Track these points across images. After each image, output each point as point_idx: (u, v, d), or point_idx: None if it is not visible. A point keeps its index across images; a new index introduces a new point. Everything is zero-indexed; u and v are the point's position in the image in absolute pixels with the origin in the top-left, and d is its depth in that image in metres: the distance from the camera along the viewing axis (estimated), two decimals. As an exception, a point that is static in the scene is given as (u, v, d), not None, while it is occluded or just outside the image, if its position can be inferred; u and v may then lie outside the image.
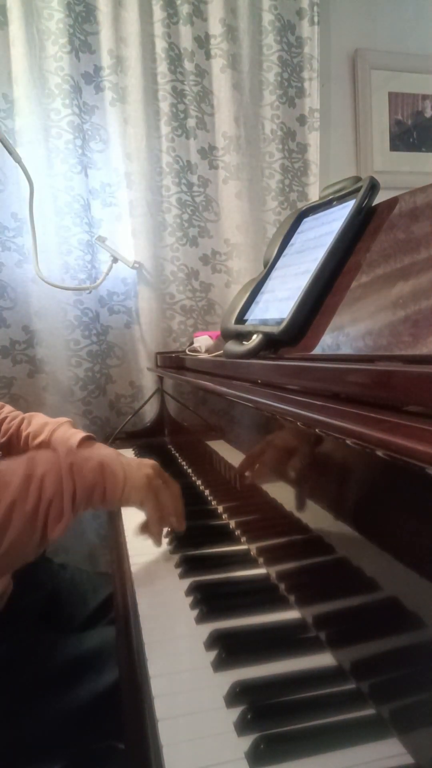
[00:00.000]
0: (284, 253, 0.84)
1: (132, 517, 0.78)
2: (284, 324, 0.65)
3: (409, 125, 1.87)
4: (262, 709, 0.41)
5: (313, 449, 0.51)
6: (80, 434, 0.91)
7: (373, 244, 0.63)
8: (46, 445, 0.93)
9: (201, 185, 1.63)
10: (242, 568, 0.66)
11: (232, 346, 0.76)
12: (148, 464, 0.72)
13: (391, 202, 0.66)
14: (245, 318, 0.81)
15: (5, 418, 1.01)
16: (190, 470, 1.14)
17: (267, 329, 0.69)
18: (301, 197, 1.72)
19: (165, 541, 0.75)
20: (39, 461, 0.61)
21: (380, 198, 0.70)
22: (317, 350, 0.59)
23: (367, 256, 0.63)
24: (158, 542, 0.72)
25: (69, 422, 0.98)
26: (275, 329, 0.67)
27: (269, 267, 0.84)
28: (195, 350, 1.18)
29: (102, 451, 0.71)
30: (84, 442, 0.90)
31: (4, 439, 0.98)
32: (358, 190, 0.71)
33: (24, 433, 0.98)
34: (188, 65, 1.58)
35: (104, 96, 1.51)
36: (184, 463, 1.22)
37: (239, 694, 0.43)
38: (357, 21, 1.80)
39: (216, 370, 0.88)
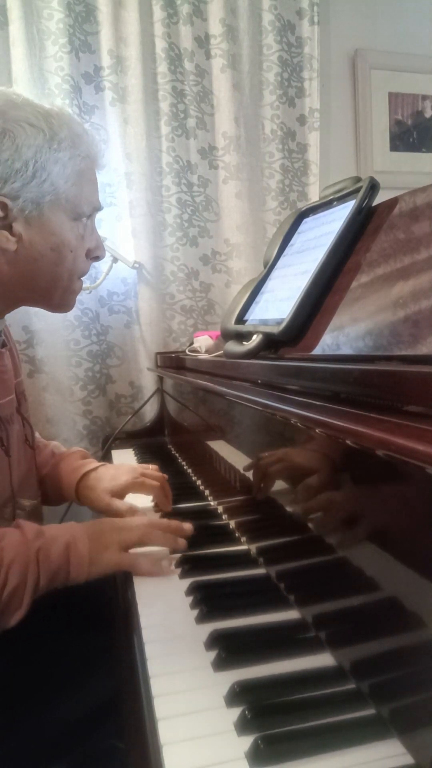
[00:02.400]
0: (284, 253, 0.84)
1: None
2: (284, 324, 0.65)
3: (409, 125, 1.87)
4: (262, 709, 0.41)
5: (313, 449, 0.51)
6: (81, 470, 0.89)
7: (373, 244, 0.64)
8: (50, 478, 0.92)
9: (201, 185, 1.63)
10: (242, 568, 0.66)
11: (232, 346, 0.76)
12: (109, 528, 0.70)
13: (391, 202, 0.66)
14: (245, 318, 0.81)
15: (45, 445, 1.00)
16: (190, 470, 1.14)
17: (267, 329, 0.69)
18: (301, 197, 1.72)
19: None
20: (7, 546, 0.61)
21: (380, 198, 0.70)
22: (317, 350, 0.59)
23: (367, 256, 0.63)
24: (165, 571, 0.68)
25: (80, 452, 0.96)
26: (275, 329, 0.67)
27: (269, 267, 0.84)
28: (195, 350, 1.18)
29: (72, 530, 0.68)
30: (85, 477, 0.88)
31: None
32: (358, 190, 0.71)
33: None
34: (188, 65, 1.58)
35: (104, 96, 1.51)
36: (184, 463, 1.22)
37: (239, 694, 0.43)
38: (357, 21, 1.80)
39: (216, 370, 0.88)
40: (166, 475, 0.90)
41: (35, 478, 0.89)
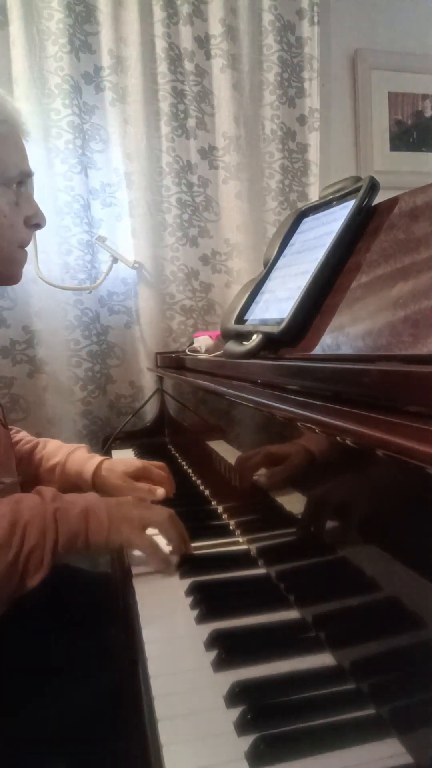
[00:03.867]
0: (284, 253, 0.84)
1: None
2: (284, 324, 0.65)
3: (409, 125, 1.87)
4: (262, 709, 0.41)
5: (313, 449, 0.51)
6: (96, 458, 0.91)
7: (373, 244, 0.63)
8: (61, 467, 0.93)
9: (201, 185, 1.63)
10: (242, 568, 0.66)
11: (232, 346, 0.76)
12: (129, 502, 0.71)
13: (391, 202, 0.66)
14: (245, 318, 0.81)
15: (20, 440, 1.00)
16: (190, 470, 1.14)
17: (267, 329, 0.69)
18: (301, 197, 1.72)
19: (166, 542, 0.74)
20: (24, 507, 0.62)
21: (380, 198, 0.70)
22: (317, 350, 0.59)
23: (367, 256, 0.63)
24: (169, 573, 0.67)
25: (86, 447, 0.97)
26: (275, 329, 0.67)
27: (269, 267, 0.84)
28: (195, 350, 1.18)
29: (89, 497, 0.69)
30: (102, 463, 0.90)
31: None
32: (358, 190, 0.71)
33: (38, 456, 0.97)
34: (188, 65, 1.58)
35: (104, 96, 1.52)
36: (184, 463, 1.22)
37: (239, 694, 0.43)
38: (357, 21, 1.80)
39: (216, 370, 0.88)
40: (164, 464, 0.93)
41: (13, 459, 0.89)
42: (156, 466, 0.91)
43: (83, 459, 0.92)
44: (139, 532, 0.67)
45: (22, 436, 1.04)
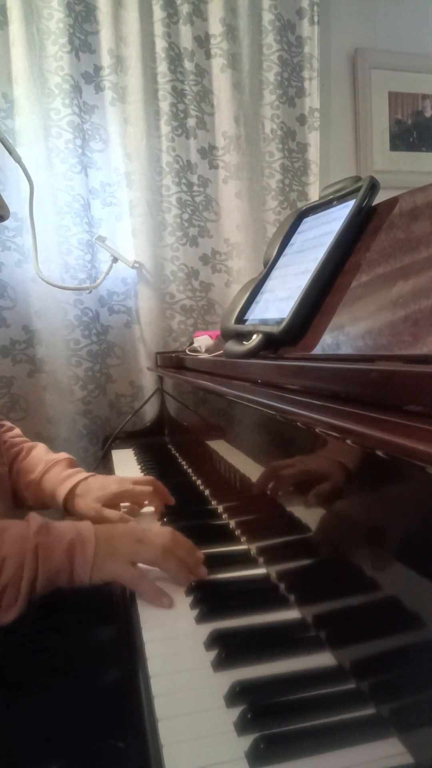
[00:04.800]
0: (284, 253, 0.84)
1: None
2: (284, 324, 0.65)
3: (409, 125, 1.87)
4: (262, 709, 0.41)
5: (313, 449, 0.51)
6: (72, 479, 0.87)
7: (373, 244, 0.63)
8: (35, 485, 0.89)
9: (201, 185, 1.63)
10: (242, 568, 0.66)
11: (232, 346, 0.76)
12: (122, 533, 0.66)
13: (391, 202, 0.66)
14: (245, 318, 0.81)
15: (5, 442, 0.97)
16: (190, 470, 1.14)
17: (267, 329, 0.69)
18: (301, 197, 1.72)
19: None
20: (7, 538, 0.59)
21: (380, 198, 0.70)
22: (317, 350, 0.59)
23: (367, 255, 0.63)
24: (167, 605, 0.60)
25: (67, 459, 0.92)
26: (275, 329, 0.66)
27: (269, 267, 0.84)
28: (195, 350, 1.18)
29: (80, 528, 0.65)
30: (76, 487, 0.86)
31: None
32: (358, 189, 0.71)
33: (17, 466, 0.93)
34: (188, 65, 1.58)
35: (104, 96, 1.51)
36: (184, 462, 1.22)
37: (239, 693, 0.43)
38: (357, 21, 1.80)
39: (216, 370, 0.88)
40: (153, 478, 0.90)
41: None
42: (143, 482, 0.87)
43: (59, 479, 0.88)
44: (125, 567, 0.62)
45: (12, 436, 0.99)
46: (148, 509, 0.88)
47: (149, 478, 0.89)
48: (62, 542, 0.62)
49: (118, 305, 1.60)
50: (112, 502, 0.84)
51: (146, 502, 0.88)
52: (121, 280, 1.58)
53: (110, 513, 0.82)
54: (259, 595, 0.59)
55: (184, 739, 0.40)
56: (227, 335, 0.81)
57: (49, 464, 0.91)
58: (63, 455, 0.94)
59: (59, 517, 0.82)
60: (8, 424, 1.03)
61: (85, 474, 0.89)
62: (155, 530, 0.68)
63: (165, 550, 0.64)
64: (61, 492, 0.86)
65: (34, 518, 0.64)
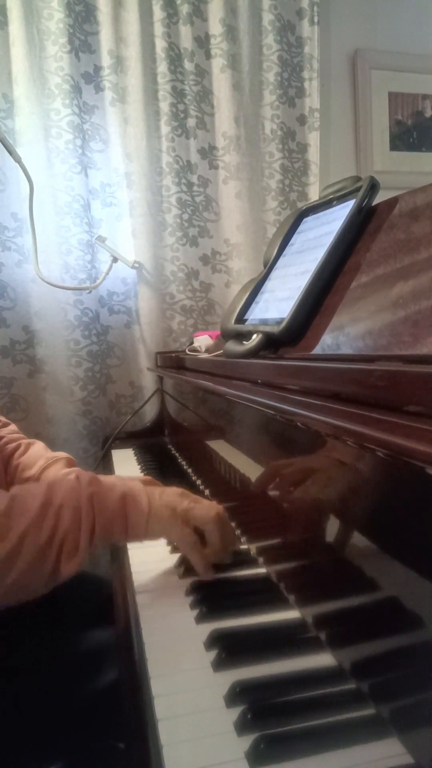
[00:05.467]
0: (284, 253, 0.84)
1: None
2: (284, 324, 0.65)
3: (409, 125, 1.87)
4: (262, 709, 0.41)
5: (313, 449, 0.51)
6: (72, 476, 0.86)
7: (373, 244, 0.64)
8: (35, 480, 0.88)
9: (201, 185, 1.63)
10: (242, 568, 0.66)
11: (232, 346, 0.76)
12: (172, 492, 0.66)
13: (391, 202, 0.66)
14: (245, 318, 0.81)
15: (1, 437, 0.96)
16: (190, 470, 1.14)
17: (267, 329, 0.69)
18: (301, 197, 1.72)
19: (166, 542, 0.72)
20: (58, 489, 0.58)
21: (380, 198, 0.70)
22: (317, 350, 0.59)
23: (367, 256, 0.63)
24: (208, 574, 0.62)
25: (66, 458, 0.92)
26: (275, 329, 0.67)
27: (269, 267, 0.84)
28: (195, 350, 1.18)
29: (129, 483, 0.65)
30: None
31: None
32: (358, 190, 0.71)
33: (15, 462, 0.93)
34: (188, 65, 1.58)
35: (104, 96, 1.52)
36: (184, 463, 1.22)
37: (239, 694, 0.43)
38: (357, 21, 1.80)
39: (216, 370, 0.88)
40: (152, 478, 0.88)
41: None
42: (141, 481, 0.88)
43: (58, 477, 0.85)
44: (180, 524, 0.62)
45: (8, 432, 0.98)
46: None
47: (148, 478, 0.89)
48: (115, 493, 0.61)
49: (118, 305, 1.60)
50: None
51: None
52: (121, 280, 1.58)
53: (108, 479, 0.82)
54: (259, 595, 0.59)
55: (184, 740, 0.40)
56: (227, 335, 0.81)
57: (49, 461, 0.90)
58: (62, 454, 0.93)
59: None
60: (3, 419, 1.02)
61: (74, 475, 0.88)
62: (206, 501, 0.67)
63: (219, 516, 0.64)
64: None
65: (82, 472, 0.64)
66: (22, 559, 0.52)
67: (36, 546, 0.53)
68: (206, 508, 0.64)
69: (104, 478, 0.64)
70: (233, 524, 0.79)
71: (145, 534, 0.61)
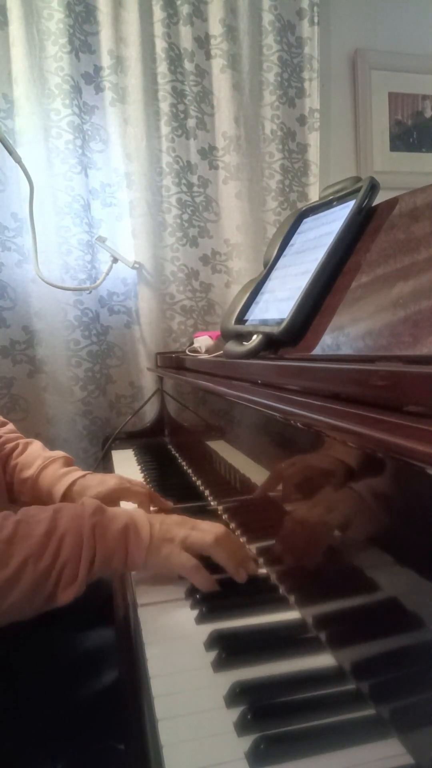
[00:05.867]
0: (284, 254, 0.84)
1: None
2: (284, 324, 0.65)
3: (409, 125, 1.87)
4: (262, 709, 0.41)
5: (313, 449, 0.51)
6: (70, 476, 0.86)
7: (373, 245, 0.64)
8: (33, 482, 0.88)
9: (201, 185, 1.63)
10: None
11: (232, 347, 0.76)
12: (172, 522, 0.65)
13: (391, 203, 0.66)
14: (245, 318, 0.81)
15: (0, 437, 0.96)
16: (190, 470, 1.14)
17: (267, 329, 0.69)
18: (301, 197, 1.72)
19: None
20: (63, 516, 0.59)
21: (380, 198, 0.70)
22: (317, 350, 0.59)
23: (367, 256, 0.63)
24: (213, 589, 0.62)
25: (64, 458, 0.92)
26: (275, 329, 0.67)
27: (269, 267, 0.84)
28: (195, 350, 1.18)
29: (134, 513, 0.65)
30: (74, 483, 0.85)
31: None
32: (358, 190, 0.71)
33: (13, 462, 0.93)
34: (188, 65, 1.58)
35: (104, 96, 1.52)
36: (184, 463, 1.22)
37: (239, 694, 0.43)
38: (357, 21, 1.80)
39: (216, 370, 0.88)
40: (150, 487, 0.90)
41: None
42: (138, 485, 0.88)
43: (56, 476, 0.87)
44: (178, 552, 0.62)
45: (6, 431, 0.98)
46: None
47: (140, 482, 0.90)
48: (117, 524, 0.61)
49: (118, 306, 1.60)
50: (110, 497, 0.83)
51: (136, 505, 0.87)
52: (121, 280, 1.58)
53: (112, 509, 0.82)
54: (259, 596, 0.59)
55: (184, 740, 0.40)
56: (227, 336, 0.81)
57: (47, 461, 0.90)
58: (60, 453, 0.93)
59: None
60: (1, 418, 1.02)
61: (82, 472, 0.89)
62: (207, 522, 0.67)
63: (218, 538, 0.63)
64: (59, 489, 0.85)
65: (88, 500, 0.64)
66: (21, 587, 0.53)
67: (35, 574, 0.54)
68: (204, 533, 0.64)
69: (109, 509, 0.64)
70: (232, 524, 0.79)
71: (143, 566, 0.62)
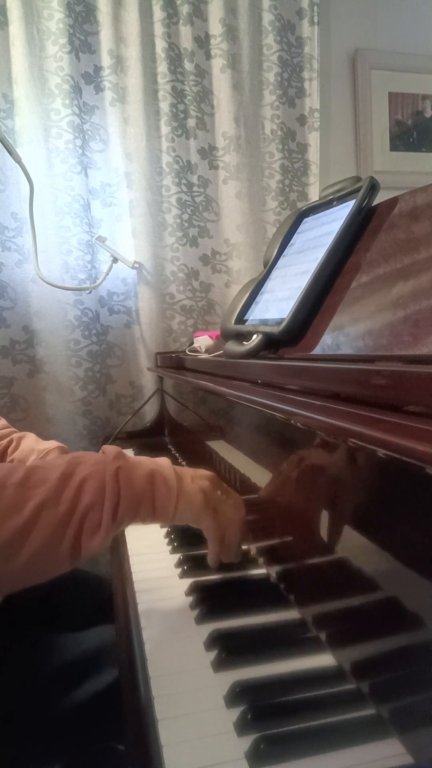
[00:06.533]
0: (284, 253, 0.84)
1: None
2: (284, 324, 0.65)
3: (409, 125, 1.87)
4: (262, 709, 0.41)
5: (313, 449, 0.51)
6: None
7: (373, 244, 0.64)
8: None
9: (201, 185, 1.63)
10: (242, 568, 0.66)
11: (232, 346, 0.76)
12: (204, 476, 0.62)
13: (391, 202, 0.66)
14: (245, 318, 0.81)
15: None
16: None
17: (267, 329, 0.69)
18: (301, 197, 1.72)
19: (166, 542, 0.73)
20: (82, 461, 0.54)
21: (380, 198, 0.70)
22: (317, 350, 0.59)
23: (367, 256, 0.63)
24: (215, 566, 0.62)
25: (58, 447, 0.90)
26: (275, 329, 0.67)
27: (269, 267, 0.84)
28: (195, 350, 1.18)
29: (159, 460, 0.61)
30: None
31: None
32: (358, 190, 0.71)
33: (8, 459, 0.92)
34: (188, 65, 1.58)
35: (104, 96, 1.52)
36: (183, 463, 1.22)
37: (239, 694, 0.43)
38: (357, 21, 1.80)
39: (216, 370, 0.88)
40: None
41: None
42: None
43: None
44: (212, 515, 0.58)
45: (32, 445, 0.96)
46: None
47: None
48: (142, 469, 0.57)
49: (118, 305, 1.60)
50: None
51: None
52: (121, 280, 1.58)
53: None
54: (259, 596, 0.59)
55: (184, 740, 0.40)
56: (227, 335, 0.81)
57: (42, 454, 0.89)
58: (54, 443, 0.92)
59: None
60: None
61: None
62: (233, 495, 0.64)
63: (243, 519, 0.62)
64: None
65: (109, 447, 0.60)
66: (38, 533, 0.48)
67: (54, 519, 0.49)
68: (235, 506, 0.62)
69: (132, 455, 0.60)
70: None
71: (173, 517, 0.57)
